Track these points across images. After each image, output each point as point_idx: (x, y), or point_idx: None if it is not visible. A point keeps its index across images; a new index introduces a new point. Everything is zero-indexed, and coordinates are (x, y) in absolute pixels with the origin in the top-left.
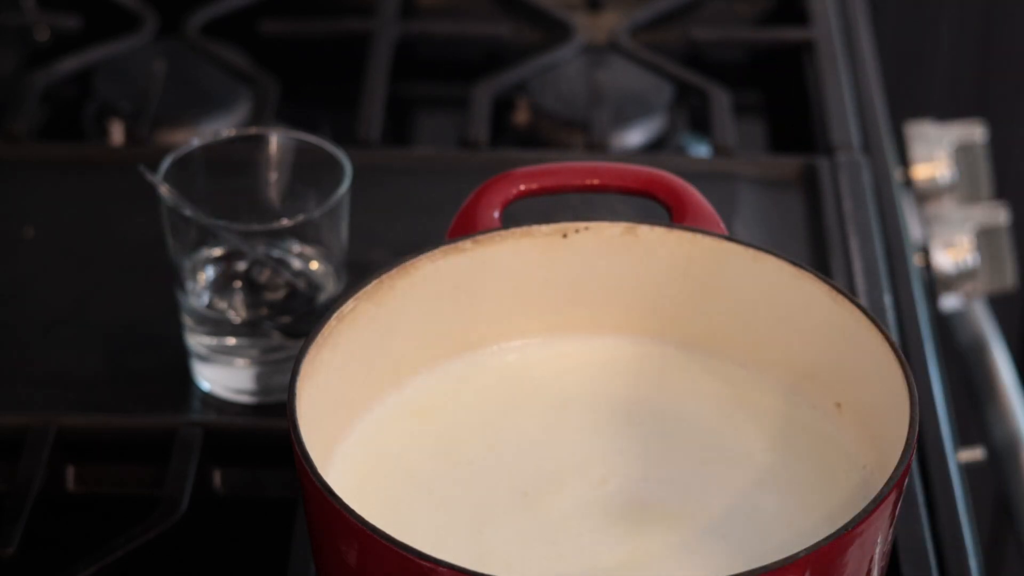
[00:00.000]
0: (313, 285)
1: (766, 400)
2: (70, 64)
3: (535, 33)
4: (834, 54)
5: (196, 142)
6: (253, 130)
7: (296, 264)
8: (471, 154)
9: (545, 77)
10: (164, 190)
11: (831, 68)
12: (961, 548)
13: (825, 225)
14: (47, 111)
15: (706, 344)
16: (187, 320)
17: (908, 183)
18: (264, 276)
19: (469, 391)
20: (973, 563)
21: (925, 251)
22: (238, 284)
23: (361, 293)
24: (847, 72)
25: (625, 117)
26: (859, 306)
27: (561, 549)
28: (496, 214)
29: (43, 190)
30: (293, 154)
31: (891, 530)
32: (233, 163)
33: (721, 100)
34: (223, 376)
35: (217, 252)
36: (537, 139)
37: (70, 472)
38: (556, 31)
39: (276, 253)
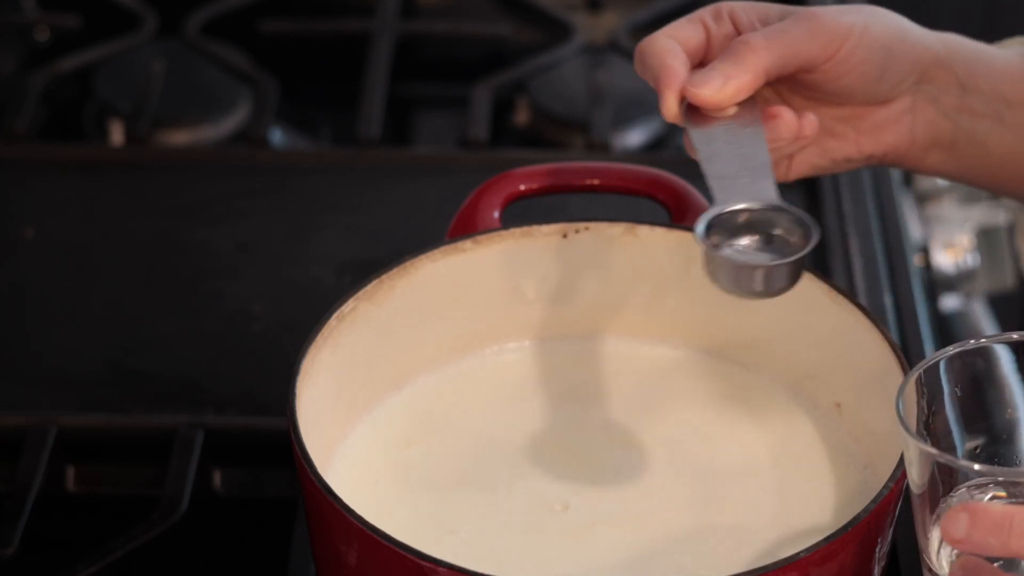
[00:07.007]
0: None
1: (766, 400)
2: (70, 64)
3: (535, 33)
4: None
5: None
6: None
7: None
8: (471, 154)
9: (545, 77)
10: None
11: None
12: None
13: (825, 225)
14: (47, 111)
15: (706, 344)
16: None
17: (908, 183)
18: None
19: (469, 391)
20: None
21: (925, 251)
22: None
23: (361, 293)
24: None
25: (625, 117)
26: (859, 306)
27: (563, 548)
28: (496, 214)
29: (43, 190)
30: None
31: (891, 530)
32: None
33: None
34: None
35: None
36: (537, 139)
37: (70, 472)
38: (556, 31)
39: None
